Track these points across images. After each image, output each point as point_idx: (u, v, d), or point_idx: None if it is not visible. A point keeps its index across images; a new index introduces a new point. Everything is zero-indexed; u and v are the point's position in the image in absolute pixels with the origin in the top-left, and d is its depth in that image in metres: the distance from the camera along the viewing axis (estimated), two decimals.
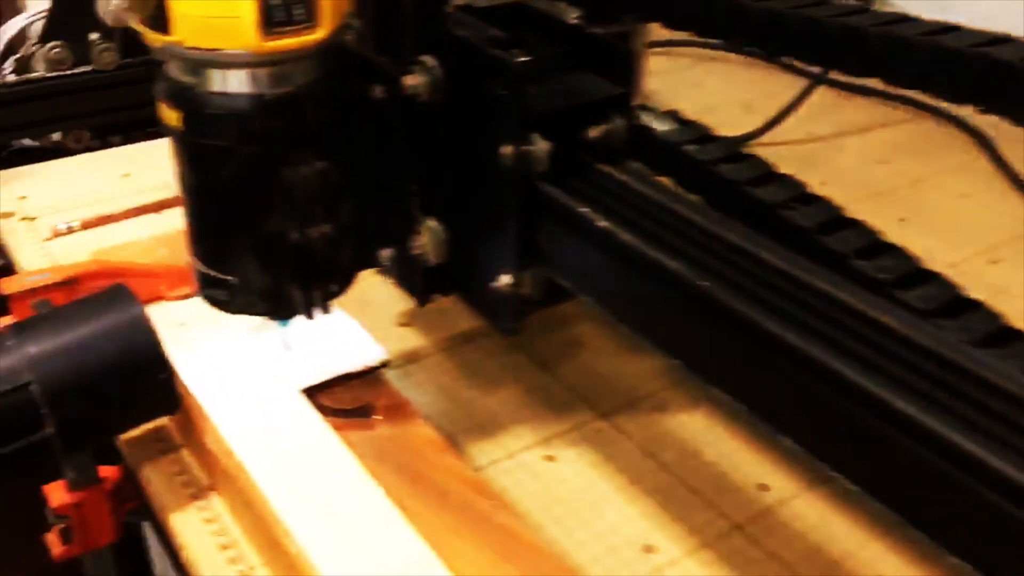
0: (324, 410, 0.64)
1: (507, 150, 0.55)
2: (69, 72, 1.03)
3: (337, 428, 0.63)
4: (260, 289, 0.58)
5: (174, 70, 0.53)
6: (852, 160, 1.12)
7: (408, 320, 0.82)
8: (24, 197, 0.98)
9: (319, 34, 0.50)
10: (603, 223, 0.53)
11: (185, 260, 0.80)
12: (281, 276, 0.58)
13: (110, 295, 0.61)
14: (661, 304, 0.51)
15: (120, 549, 0.76)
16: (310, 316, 0.60)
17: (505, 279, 0.60)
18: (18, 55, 1.08)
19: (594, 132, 0.58)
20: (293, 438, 0.61)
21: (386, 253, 0.63)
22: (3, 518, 1.31)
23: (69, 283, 0.69)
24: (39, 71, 1.04)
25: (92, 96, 1.03)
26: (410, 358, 0.77)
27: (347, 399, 0.66)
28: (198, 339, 0.69)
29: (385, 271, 0.65)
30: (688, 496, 0.65)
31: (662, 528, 0.62)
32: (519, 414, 0.72)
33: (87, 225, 0.92)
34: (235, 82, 0.51)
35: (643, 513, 0.63)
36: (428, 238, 0.62)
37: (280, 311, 0.60)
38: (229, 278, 0.58)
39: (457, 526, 0.57)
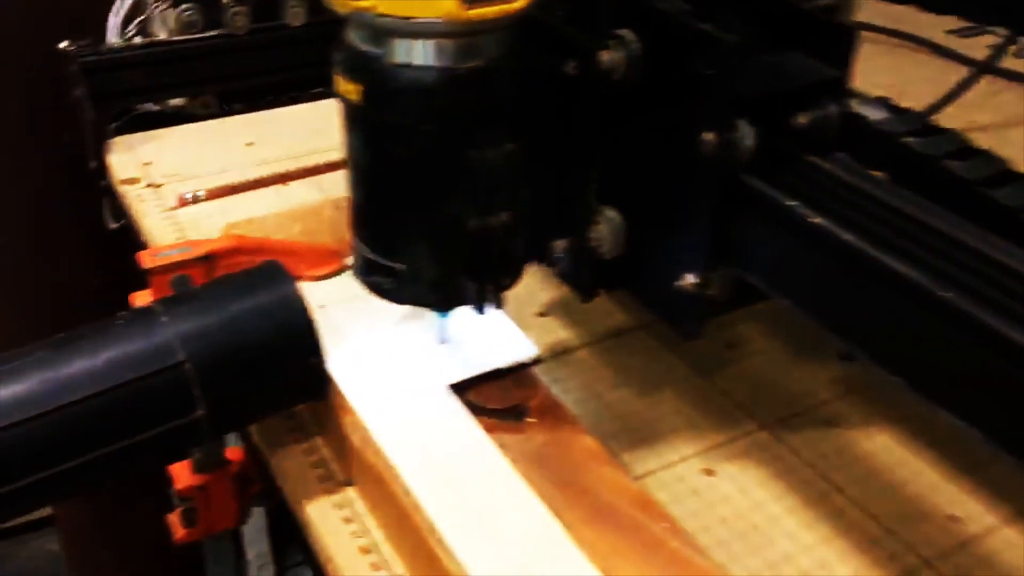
0: (474, 408, 0.60)
1: (709, 137, 0.50)
2: (199, 35, 1.00)
3: (488, 429, 0.58)
4: (430, 279, 0.54)
5: (356, 39, 0.49)
6: (1019, 152, 1.03)
7: (547, 311, 0.78)
8: (149, 163, 0.96)
9: (520, 2, 0.45)
10: (818, 220, 0.47)
11: (322, 238, 0.76)
12: (454, 266, 0.54)
13: (264, 272, 0.58)
14: (888, 314, 0.45)
15: None
16: (481, 310, 0.55)
17: (690, 278, 0.55)
18: (142, 17, 1.05)
19: (803, 119, 0.52)
20: (443, 437, 0.57)
21: (560, 244, 0.58)
22: (128, 500, 1.32)
23: (208, 258, 0.65)
24: (160, 34, 1.02)
25: (221, 61, 1.00)
26: (551, 354, 0.72)
27: (498, 398, 0.61)
28: (339, 323, 0.65)
29: (550, 263, 0.61)
30: (868, 524, 0.59)
31: (842, 559, 0.56)
32: (673, 421, 0.67)
33: (213, 195, 0.90)
34: (422, 53, 0.46)
35: (819, 540, 0.57)
36: (605, 229, 0.57)
37: (449, 303, 0.56)
38: (397, 265, 0.54)
39: (624, 549, 0.51)
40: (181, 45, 0.99)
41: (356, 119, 0.51)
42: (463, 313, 0.65)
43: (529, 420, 0.60)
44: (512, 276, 0.57)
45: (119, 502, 1.34)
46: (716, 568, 0.51)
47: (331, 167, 0.94)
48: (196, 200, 0.88)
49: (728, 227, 0.52)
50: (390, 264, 0.54)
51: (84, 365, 0.51)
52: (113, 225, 1.05)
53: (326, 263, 0.71)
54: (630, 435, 0.65)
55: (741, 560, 0.56)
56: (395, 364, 0.62)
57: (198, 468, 0.71)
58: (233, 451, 0.73)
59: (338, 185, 0.93)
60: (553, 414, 0.60)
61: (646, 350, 0.73)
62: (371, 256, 0.55)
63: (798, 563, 0.56)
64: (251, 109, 1.08)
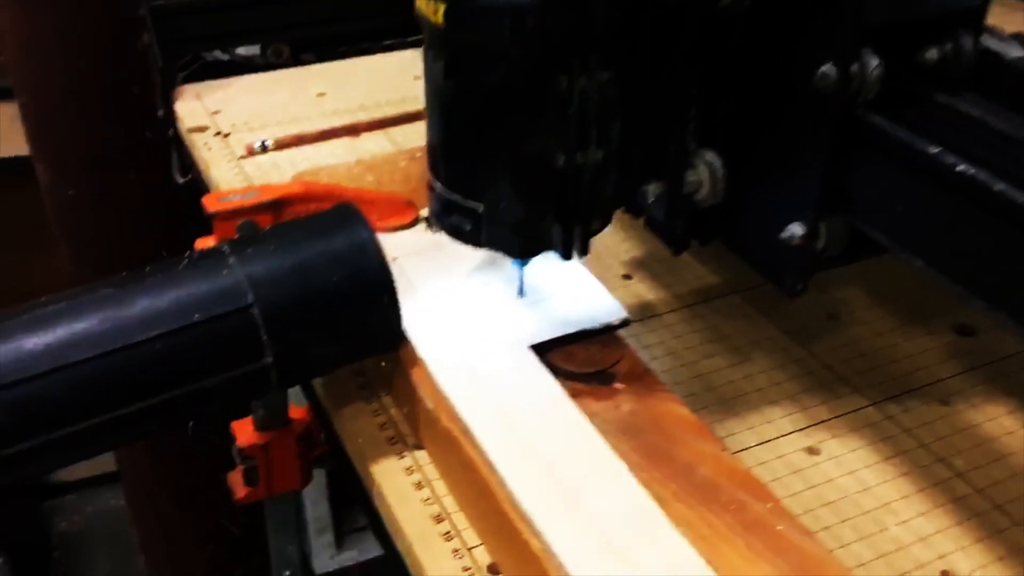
0: (557, 371, 0.55)
1: (828, 70, 0.44)
2: None
3: (573, 394, 0.53)
4: (513, 221, 0.50)
5: None
6: None
7: (631, 271, 0.73)
8: (217, 112, 0.92)
9: None
10: (960, 165, 0.41)
11: (395, 188, 0.72)
12: (540, 207, 0.49)
13: (337, 215, 0.54)
14: None
15: None
16: (567, 256, 0.51)
17: (797, 229, 0.49)
18: None
19: (934, 53, 0.46)
20: (524, 400, 0.52)
21: (652, 188, 0.53)
22: (192, 456, 1.30)
23: (276, 204, 0.61)
24: None
25: (292, 7, 0.96)
26: (636, 317, 0.67)
27: (582, 361, 0.56)
28: (413, 276, 0.61)
29: (638, 211, 0.55)
30: (994, 514, 0.53)
31: (965, 553, 0.51)
32: (770, 393, 0.61)
33: (281, 144, 0.86)
34: None
35: (938, 530, 0.52)
36: (704, 174, 0.51)
37: (532, 248, 0.51)
38: (477, 206, 0.50)
39: (724, 530, 0.46)
40: None
41: (437, 42, 0.47)
42: (545, 269, 0.60)
43: (616, 386, 0.55)
44: (601, 220, 0.52)
45: (183, 457, 1.33)
46: (828, 555, 0.46)
47: (404, 119, 0.90)
48: (265, 149, 0.85)
49: (843, 172, 0.46)
50: (470, 204, 0.50)
51: (149, 305, 0.48)
52: (181, 180, 1.02)
53: (400, 214, 0.67)
54: (723, 408, 0.60)
55: (851, 549, 0.51)
56: (472, 321, 0.58)
57: (261, 426, 0.68)
58: (297, 410, 0.69)
59: (410, 138, 0.89)
60: (642, 381, 0.55)
61: (740, 316, 0.67)
62: (450, 196, 0.50)
63: (914, 554, 0.50)
64: (322, 60, 1.04)
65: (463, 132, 0.49)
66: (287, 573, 0.74)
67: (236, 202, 0.60)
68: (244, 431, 0.68)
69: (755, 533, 0.46)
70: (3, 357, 0.45)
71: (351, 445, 0.59)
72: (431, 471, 0.56)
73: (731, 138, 0.51)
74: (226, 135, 0.88)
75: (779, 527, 0.46)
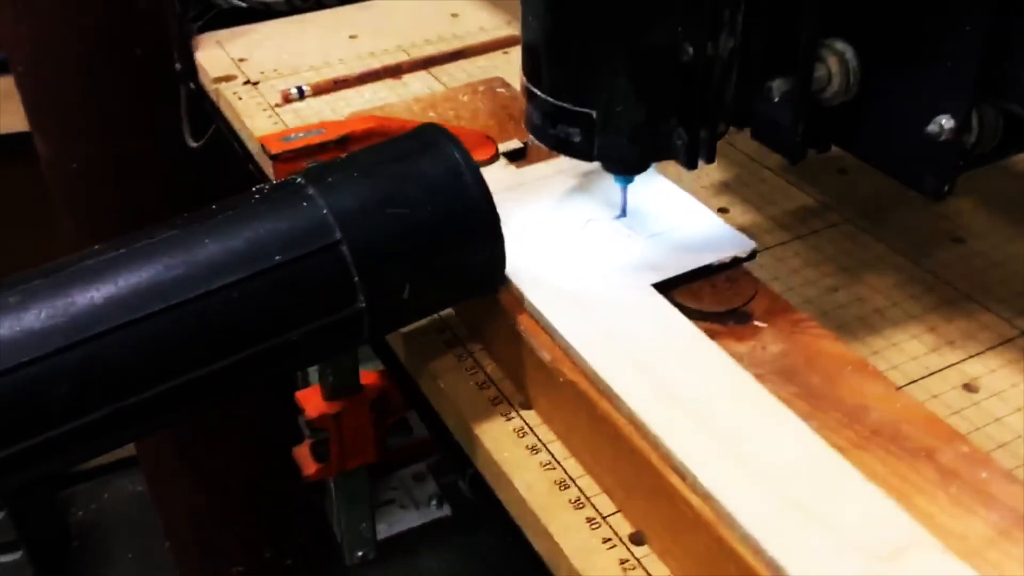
0: (686, 312, 0.48)
1: None
2: None
3: (711, 336, 0.47)
4: (632, 125, 0.44)
5: None
6: None
7: (721, 191, 0.66)
8: (243, 59, 0.84)
9: None
10: None
11: (462, 124, 0.65)
12: (662, 108, 0.43)
13: (426, 136, 0.46)
14: None
15: None
16: (692, 164, 0.45)
17: (946, 121, 0.43)
18: None
19: None
20: (661, 345, 0.45)
21: (777, 85, 0.46)
22: (213, 437, 1.23)
23: (344, 142, 0.54)
24: None
25: None
26: None
27: (712, 299, 0.49)
28: (504, 216, 0.54)
29: (740, 120, 0.49)
30: None
31: None
32: (910, 327, 0.54)
33: (319, 90, 0.78)
34: None
35: None
36: (834, 66, 0.45)
37: (651, 156, 0.46)
38: (590, 112, 0.43)
39: (925, 484, 0.39)
40: None
41: None
42: (650, 199, 0.54)
43: (757, 324, 0.48)
44: (728, 122, 0.46)
45: (203, 439, 1.26)
46: None
47: (448, 58, 0.83)
48: (302, 96, 0.77)
49: (1003, 49, 0.40)
50: (581, 109, 0.44)
51: (220, 247, 0.40)
52: (194, 143, 0.94)
53: (478, 149, 0.59)
54: (859, 346, 0.53)
55: None
56: (581, 261, 0.51)
57: (331, 394, 0.61)
58: (368, 374, 0.63)
59: (457, 77, 0.82)
60: (786, 316, 0.48)
61: (854, 242, 0.61)
62: (556, 102, 0.44)
63: None
64: (344, 3, 0.96)
65: (575, 25, 0.42)
66: (360, 553, 0.67)
67: (301, 140, 0.53)
68: (311, 401, 0.61)
69: (955, 482, 0.40)
70: (60, 315, 0.38)
71: (447, 409, 0.52)
72: (545, 433, 0.49)
73: (867, 23, 0.44)
74: (255, 83, 0.80)
75: (983, 474, 0.40)
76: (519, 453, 0.48)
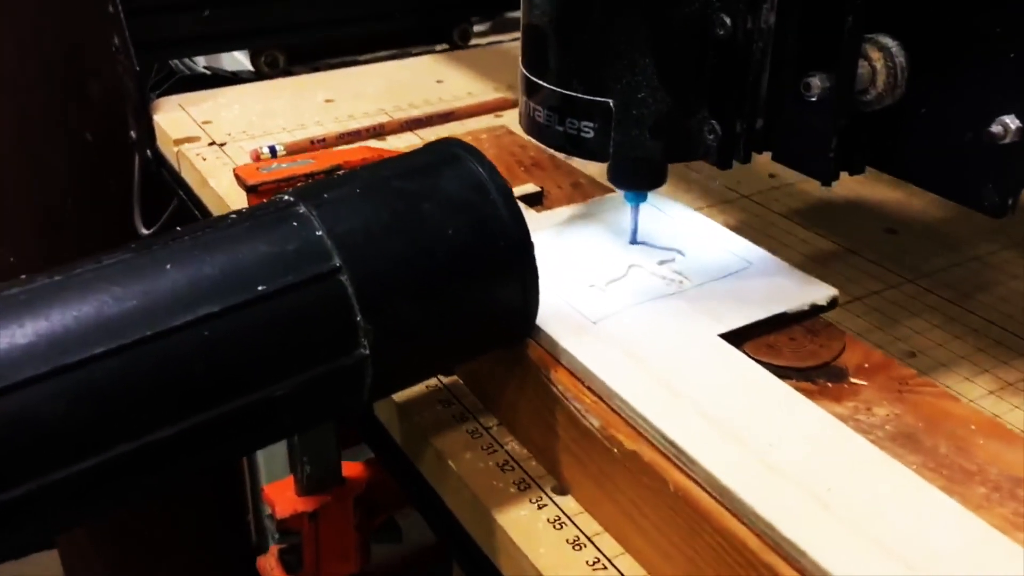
0: (769, 368, 0.39)
1: None
2: None
3: (804, 396, 0.37)
4: (654, 117, 0.37)
5: None
6: None
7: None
8: (208, 122, 0.75)
9: None
10: None
11: None
12: (691, 96, 0.37)
13: (441, 149, 0.38)
14: None
15: None
16: (726, 164, 0.38)
17: (1010, 120, 0.36)
18: None
19: None
20: (746, 405, 0.36)
21: (816, 82, 0.38)
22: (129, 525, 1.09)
23: (334, 173, 0.45)
24: None
25: (285, 5, 0.81)
26: None
27: (792, 354, 0.40)
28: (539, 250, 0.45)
29: (758, 143, 0.41)
30: None
31: None
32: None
33: (295, 149, 0.69)
34: None
35: None
36: (879, 61, 0.38)
37: (677, 152, 0.39)
38: (606, 101, 0.37)
39: None
40: None
41: None
42: (699, 238, 0.45)
43: (854, 381, 0.39)
44: (765, 117, 0.39)
45: (122, 523, 1.11)
46: None
47: (440, 118, 0.75)
48: (275, 155, 0.68)
49: None
50: (596, 99, 0.37)
51: (188, 273, 0.30)
52: (145, 231, 0.85)
53: None
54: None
55: None
56: (625, 310, 0.41)
57: (307, 488, 0.50)
58: (352, 465, 0.52)
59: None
60: (887, 373, 0.39)
61: (868, 275, 0.53)
62: (566, 92, 0.38)
63: None
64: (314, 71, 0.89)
65: (591, 1, 0.36)
66: None
67: (283, 171, 0.43)
68: (283, 496, 0.50)
69: None
70: None
71: (461, 497, 0.42)
72: (587, 522, 0.39)
73: (916, 16, 0.38)
74: (222, 144, 0.72)
75: None
76: (557, 550, 0.37)
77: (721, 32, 0.36)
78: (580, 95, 0.38)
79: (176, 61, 0.88)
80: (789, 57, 0.39)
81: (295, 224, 0.32)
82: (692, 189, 0.63)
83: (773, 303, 0.42)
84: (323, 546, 0.51)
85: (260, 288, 0.31)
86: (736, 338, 0.40)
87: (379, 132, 0.73)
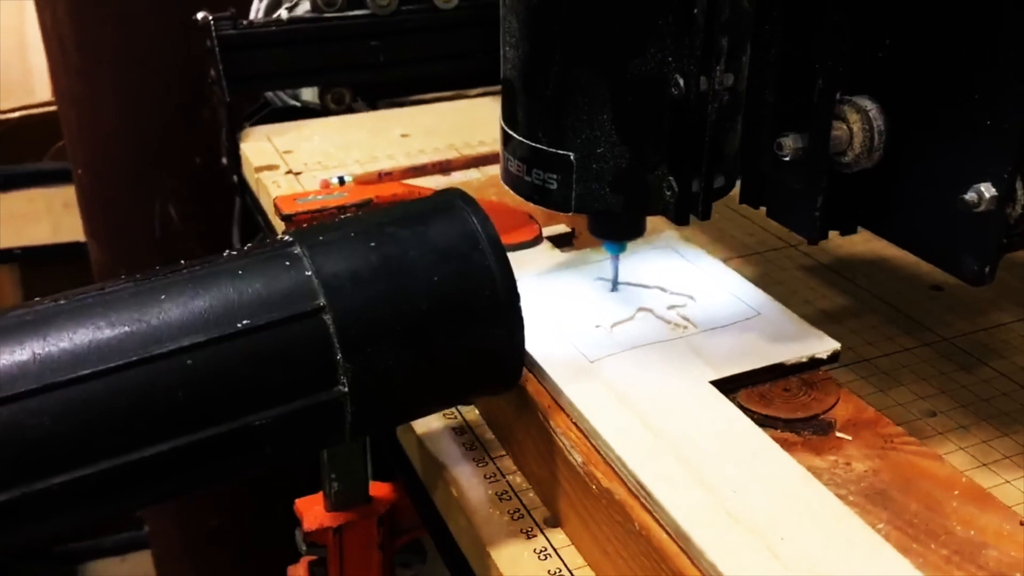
0: (755, 418, 0.39)
1: None
2: (337, 14, 0.85)
3: (784, 447, 0.38)
4: (613, 172, 0.38)
5: None
6: None
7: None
8: (289, 151, 0.80)
9: None
10: None
11: (507, 199, 0.58)
12: (649, 152, 0.38)
13: (438, 200, 0.40)
14: None
15: None
16: (681, 220, 0.39)
17: (985, 189, 0.36)
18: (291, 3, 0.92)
19: None
20: (721, 454, 0.37)
21: (789, 142, 0.39)
22: (222, 526, 1.15)
23: (365, 207, 0.48)
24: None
25: (365, 43, 0.85)
26: None
27: (784, 405, 0.41)
28: (541, 301, 0.47)
29: (754, 197, 0.42)
30: None
31: None
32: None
33: (363, 181, 0.73)
34: None
35: None
36: (856, 124, 0.38)
37: (635, 204, 0.39)
38: (568, 154, 0.38)
39: None
40: (321, 23, 0.84)
41: None
42: (709, 285, 0.46)
43: (839, 435, 0.39)
44: (728, 176, 0.39)
45: (228, 571, 1.17)
46: None
47: None
48: (343, 184, 0.72)
49: None
50: (559, 152, 0.38)
51: (178, 306, 0.33)
52: None
53: (520, 229, 0.53)
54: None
55: None
56: (626, 353, 0.43)
57: (335, 504, 0.53)
58: (379, 486, 0.54)
59: None
60: (874, 429, 0.39)
61: (881, 337, 0.52)
62: (531, 144, 0.39)
63: None
64: (374, 108, 0.92)
65: (551, 53, 0.37)
66: None
67: (318, 203, 0.46)
68: (311, 511, 0.53)
69: None
70: None
71: (459, 523, 0.44)
72: (572, 556, 0.40)
73: (895, 77, 0.38)
74: (298, 173, 0.76)
75: None
76: None
77: (675, 92, 0.37)
78: (544, 147, 0.39)
79: (271, 93, 0.93)
80: (765, 116, 0.39)
81: (287, 263, 0.35)
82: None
83: (771, 353, 0.42)
84: (347, 562, 0.53)
85: (244, 322, 0.33)
86: (730, 385, 0.41)
87: (445, 168, 0.76)
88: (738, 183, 0.43)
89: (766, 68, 0.38)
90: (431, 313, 0.37)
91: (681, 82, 0.36)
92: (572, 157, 0.39)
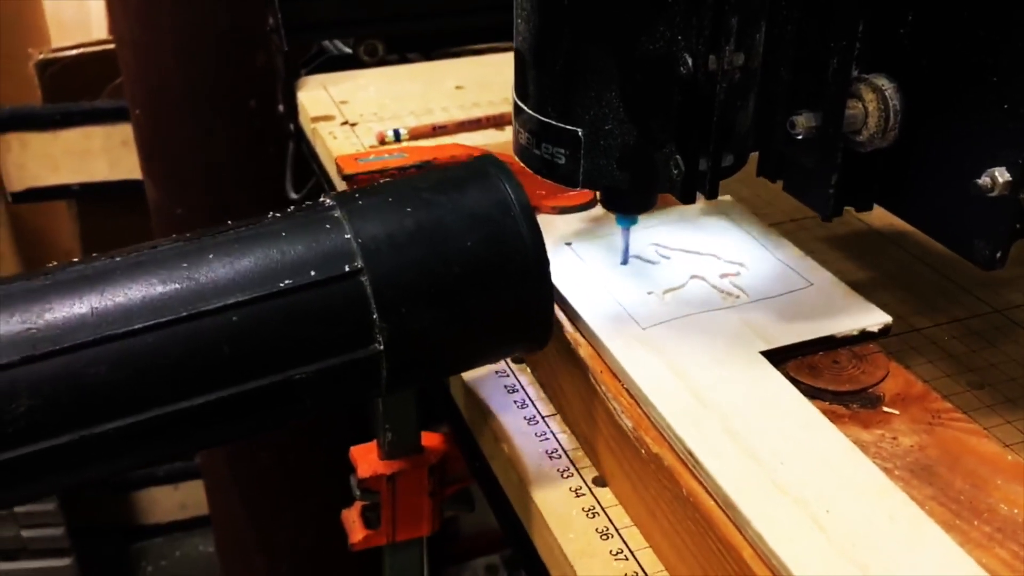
0: (804, 390, 0.40)
1: None
2: None
3: (832, 419, 0.38)
4: (621, 149, 0.38)
5: None
6: None
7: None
8: (345, 102, 0.81)
9: None
10: None
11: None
12: (657, 130, 0.38)
13: (474, 166, 0.40)
14: None
15: None
16: (688, 199, 0.38)
17: (999, 173, 0.35)
18: None
19: None
20: (770, 423, 0.37)
21: (803, 120, 0.39)
22: (285, 503, 1.18)
23: (424, 169, 0.49)
24: None
25: None
26: None
27: (832, 377, 0.41)
28: (592, 265, 0.47)
29: (772, 170, 0.42)
30: None
31: None
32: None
33: (417, 134, 0.74)
34: None
35: None
36: (872, 104, 0.38)
37: (641, 183, 0.39)
38: (576, 129, 0.38)
39: None
40: None
41: None
42: (764, 256, 0.46)
43: (886, 410, 0.40)
44: (737, 155, 0.39)
45: (277, 505, 1.21)
46: None
47: None
48: (398, 138, 0.73)
49: None
50: (567, 127, 0.38)
51: (224, 265, 0.35)
52: (295, 195, 0.92)
53: (575, 191, 0.53)
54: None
55: None
56: (677, 320, 0.44)
57: (387, 452, 0.55)
58: (431, 436, 0.56)
59: None
60: (923, 404, 0.40)
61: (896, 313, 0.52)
62: (541, 118, 0.39)
63: None
64: (427, 59, 0.93)
65: (560, 30, 0.37)
66: None
67: (379, 163, 0.47)
68: (366, 458, 0.55)
69: None
70: (32, 322, 0.32)
71: (509, 477, 0.45)
72: (619, 515, 0.42)
73: (912, 57, 0.37)
74: (353, 124, 0.77)
75: None
76: (586, 537, 0.40)
77: (684, 71, 0.37)
78: (553, 122, 0.39)
79: (327, 42, 0.94)
80: (780, 93, 0.39)
81: (328, 226, 0.36)
82: None
83: (822, 325, 0.43)
84: (399, 508, 0.55)
85: (286, 282, 0.35)
86: (780, 356, 0.42)
87: (499, 122, 0.76)
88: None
89: (782, 45, 0.37)
90: (463, 276, 0.38)
91: (690, 61, 0.36)
92: (580, 133, 0.39)
